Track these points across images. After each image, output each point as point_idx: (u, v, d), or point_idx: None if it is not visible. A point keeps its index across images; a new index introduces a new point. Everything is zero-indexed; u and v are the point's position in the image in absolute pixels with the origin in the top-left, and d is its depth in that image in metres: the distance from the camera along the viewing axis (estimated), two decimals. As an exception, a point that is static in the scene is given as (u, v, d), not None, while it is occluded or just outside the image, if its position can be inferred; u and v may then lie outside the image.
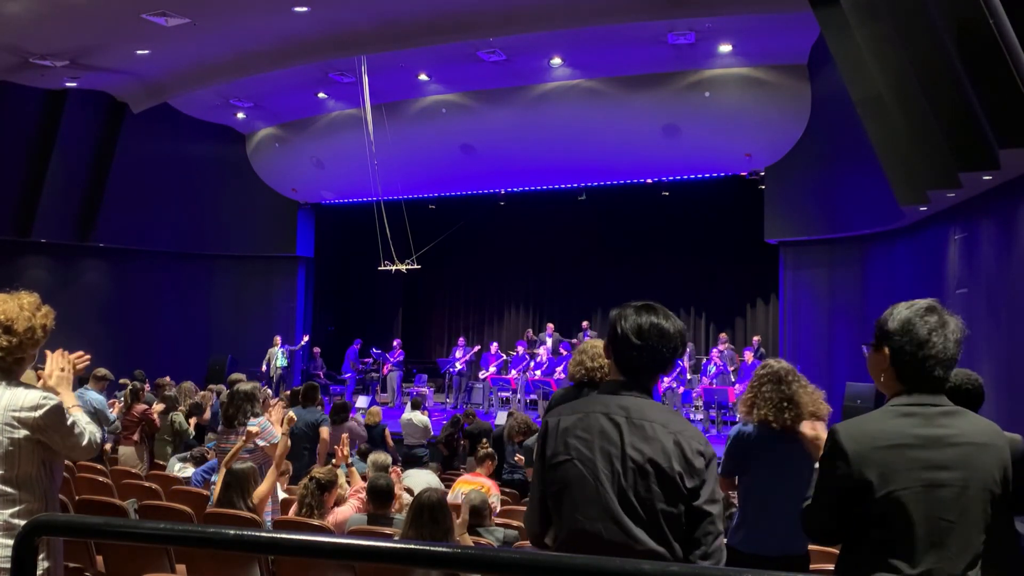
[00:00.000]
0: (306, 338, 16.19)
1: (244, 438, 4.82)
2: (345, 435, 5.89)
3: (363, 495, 4.98)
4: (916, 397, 2.02)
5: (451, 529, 3.85)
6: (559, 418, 2.19)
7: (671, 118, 12.77)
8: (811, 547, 3.76)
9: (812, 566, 3.85)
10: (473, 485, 6.27)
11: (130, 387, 8.06)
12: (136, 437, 7.69)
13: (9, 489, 2.62)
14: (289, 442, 5.02)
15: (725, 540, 2.13)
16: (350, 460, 5.56)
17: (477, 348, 15.55)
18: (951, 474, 1.93)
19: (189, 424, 8.32)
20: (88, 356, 3.03)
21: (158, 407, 8.09)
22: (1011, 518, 3.20)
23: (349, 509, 4.84)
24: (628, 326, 2.16)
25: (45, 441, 2.66)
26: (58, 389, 2.84)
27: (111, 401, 8.25)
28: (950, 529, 1.92)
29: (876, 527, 1.95)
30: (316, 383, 7.73)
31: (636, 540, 2.03)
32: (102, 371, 7.89)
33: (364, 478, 5.53)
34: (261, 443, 4.89)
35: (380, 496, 4.59)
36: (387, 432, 9.29)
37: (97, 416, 6.81)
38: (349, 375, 15.86)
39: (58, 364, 2.89)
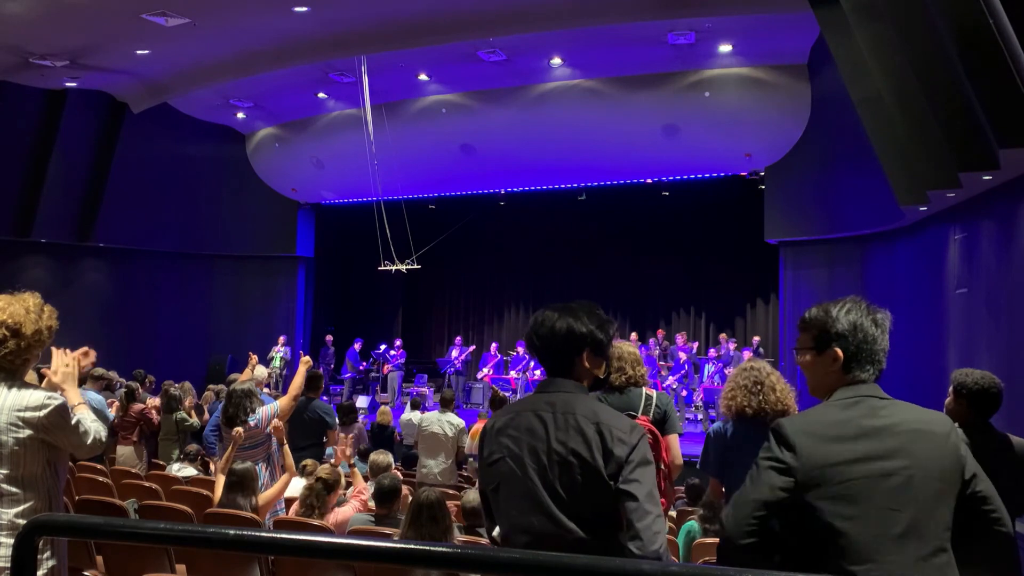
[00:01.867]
0: (329, 338, 16.23)
1: (237, 437, 4.85)
2: (350, 436, 5.92)
3: (364, 496, 4.99)
4: (856, 389, 2.04)
5: (451, 527, 3.85)
6: (495, 420, 2.28)
7: (671, 118, 12.77)
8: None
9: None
10: None
11: (126, 387, 8.04)
12: (135, 437, 7.68)
13: (14, 489, 2.62)
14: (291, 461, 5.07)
15: (663, 525, 2.12)
16: (352, 461, 5.57)
17: (473, 348, 15.54)
18: (895, 463, 1.92)
19: (192, 417, 8.25)
20: (94, 353, 3.04)
21: (152, 402, 8.04)
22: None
23: (350, 510, 4.85)
24: (530, 327, 2.33)
25: (50, 441, 2.67)
26: (63, 386, 2.87)
27: (110, 401, 8.23)
28: (900, 519, 1.90)
29: (824, 522, 1.92)
30: (318, 371, 7.71)
31: (567, 530, 2.08)
32: (99, 371, 7.87)
33: (365, 479, 5.54)
34: (268, 429, 4.97)
35: (386, 496, 4.58)
36: (396, 435, 9.30)
37: (97, 415, 6.81)
38: (349, 375, 15.86)
39: (63, 361, 2.91)
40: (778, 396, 3.63)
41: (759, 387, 3.64)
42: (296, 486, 5.62)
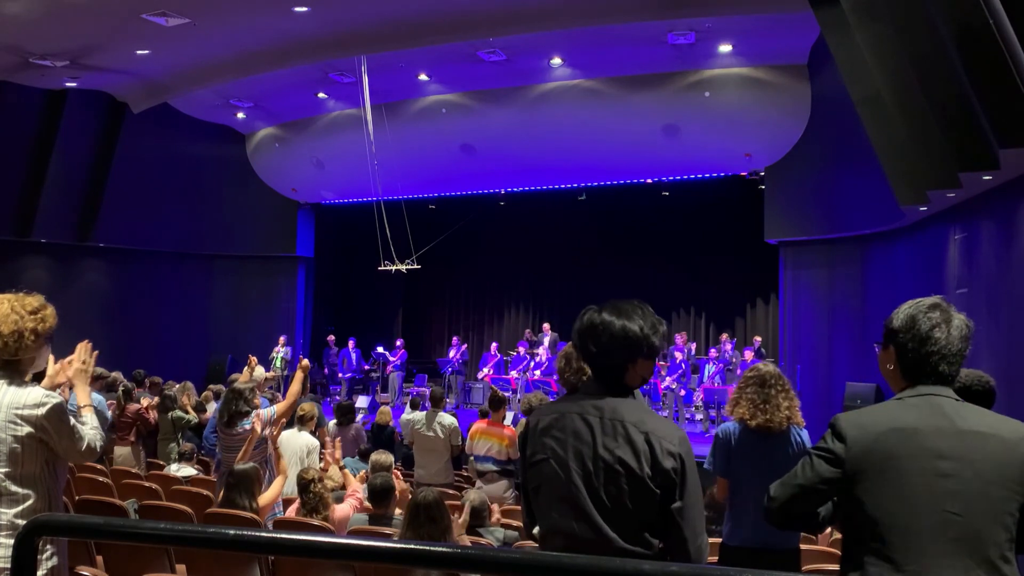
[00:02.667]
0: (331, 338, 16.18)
1: (250, 438, 4.86)
2: (337, 440, 5.91)
3: (359, 495, 5.00)
4: (921, 389, 2.00)
5: (450, 527, 3.85)
6: (539, 418, 2.24)
7: (671, 118, 12.77)
8: (804, 546, 3.80)
9: (810, 566, 3.87)
10: (491, 437, 6.41)
11: (122, 387, 8.00)
12: (131, 437, 7.66)
13: (14, 488, 2.61)
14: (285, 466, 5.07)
15: (706, 540, 2.14)
16: (342, 463, 5.57)
17: (466, 346, 15.52)
18: (954, 464, 1.87)
19: (191, 413, 8.21)
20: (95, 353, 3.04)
21: (147, 401, 8.02)
22: None
23: (348, 508, 4.86)
24: (576, 328, 2.24)
25: (46, 440, 2.66)
26: (75, 381, 2.86)
27: (108, 402, 8.22)
28: (955, 522, 1.84)
29: (872, 515, 1.91)
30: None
31: (608, 538, 2.06)
32: (99, 370, 7.85)
33: (365, 478, 5.55)
34: (267, 432, 4.99)
35: (378, 496, 4.59)
36: (396, 434, 9.29)
37: (98, 415, 6.79)
38: (348, 375, 15.83)
39: (80, 357, 2.91)
40: (784, 415, 3.67)
41: (766, 405, 3.69)
42: (294, 442, 5.62)
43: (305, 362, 5.77)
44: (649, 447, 2.07)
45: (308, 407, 6.00)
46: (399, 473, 5.94)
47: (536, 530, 2.26)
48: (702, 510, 2.13)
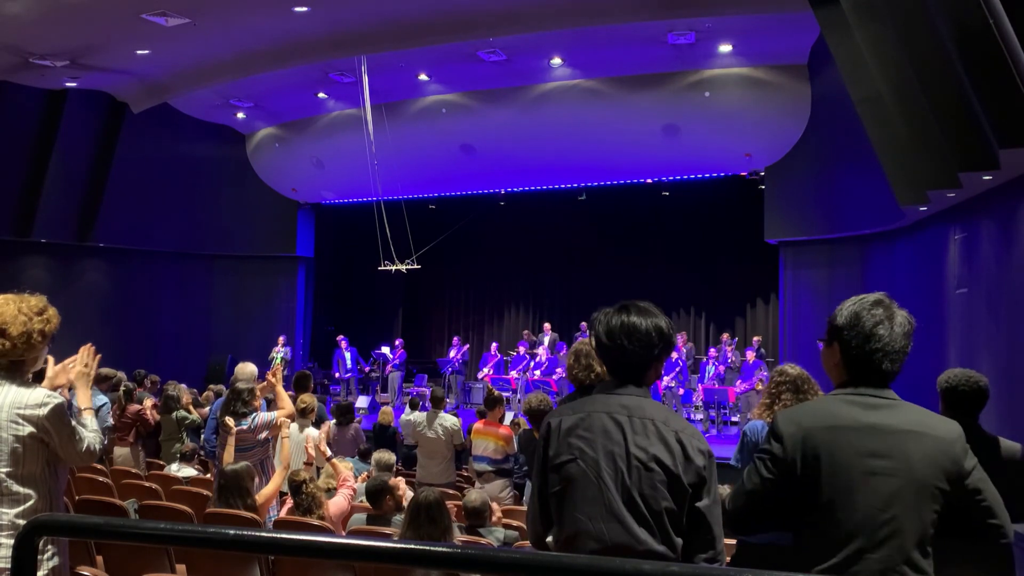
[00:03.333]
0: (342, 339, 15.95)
1: (233, 438, 4.88)
2: (310, 439, 5.85)
3: (351, 483, 5.01)
4: (861, 388, 2.02)
5: (450, 527, 3.85)
6: (560, 418, 2.19)
7: (671, 118, 12.77)
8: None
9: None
10: (487, 436, 6.41)
11: (123, 388, 7.99)
12: (131, 438, 7.64)
13: (15, 488, 2.61)
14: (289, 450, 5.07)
15: (724, 542, 2.14)
16: (328, 454, 5.54)
17: (466, 347, 15.51)
18: (886, 462, 1.91)
19: (193, 412, 8.18)
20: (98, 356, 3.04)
21: (150, 401, 8.00)
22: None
23: (342, 500, 4.86)
24: (600, 329, 2.22)
25: (47, 440, 2.66)
26: (78, 384, 2.86)
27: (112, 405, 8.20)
28: (886, 520, 1.88)
29: (814, 513, 1.93)
30: (307, 371, 7.63)
31: (638, 540, 2.03)
32: (106, 371, 7.83)
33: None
34: (261, 435, 4.99)
35: (372, 497, 4.59)
36: (397, 435, 9.30)
37: (99, 416, 6.78)
38: (348, 375, 15.79)
39: (83, 360, 2.91)
40: None
41: None
42: (296, 435, 5.61)
43: (277, 364, 5.78)
44: (680, 445, 2.08)
45: (308, 399, 6.00)
46: (401, 479, 5.93)
47: (550, 539, 2.19)
48: (720, 509, 2.14)
